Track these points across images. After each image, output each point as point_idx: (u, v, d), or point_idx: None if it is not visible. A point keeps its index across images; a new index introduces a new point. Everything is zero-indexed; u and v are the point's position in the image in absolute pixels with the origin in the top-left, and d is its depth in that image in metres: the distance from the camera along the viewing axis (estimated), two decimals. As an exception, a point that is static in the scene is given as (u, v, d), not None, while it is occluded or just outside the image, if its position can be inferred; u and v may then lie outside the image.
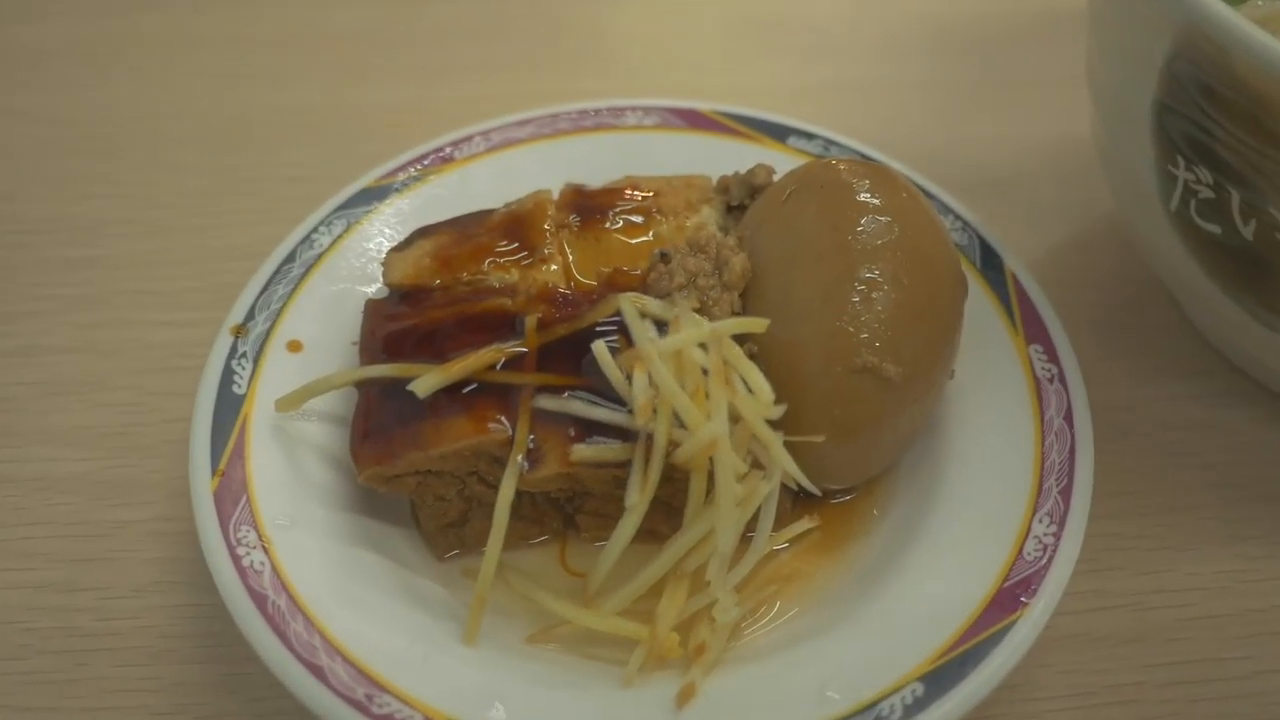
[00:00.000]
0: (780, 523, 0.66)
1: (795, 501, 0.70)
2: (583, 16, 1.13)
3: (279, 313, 0.74)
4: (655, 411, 0.60)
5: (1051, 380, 0.71)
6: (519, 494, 0.64)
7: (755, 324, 0.63)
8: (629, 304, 0.65)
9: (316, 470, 0.69)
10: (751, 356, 0.66)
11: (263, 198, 0.94)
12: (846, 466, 0.69)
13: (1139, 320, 0.85)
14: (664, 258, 0.69)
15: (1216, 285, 0.69)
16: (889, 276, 0.65)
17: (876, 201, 0.68)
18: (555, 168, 0.83)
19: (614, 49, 1.10)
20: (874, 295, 0.65)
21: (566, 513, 0.69)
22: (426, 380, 0.64)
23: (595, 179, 0.80)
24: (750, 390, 0.61)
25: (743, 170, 0.78)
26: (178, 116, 1.03)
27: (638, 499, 0.61)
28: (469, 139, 0.85)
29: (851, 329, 0.64)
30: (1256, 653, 0.67)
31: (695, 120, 0.87)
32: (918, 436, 0.70)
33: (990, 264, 0.77)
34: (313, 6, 1.15)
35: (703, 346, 0.61)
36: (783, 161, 0.82)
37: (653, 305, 0.66)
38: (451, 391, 0.65)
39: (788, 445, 0.62)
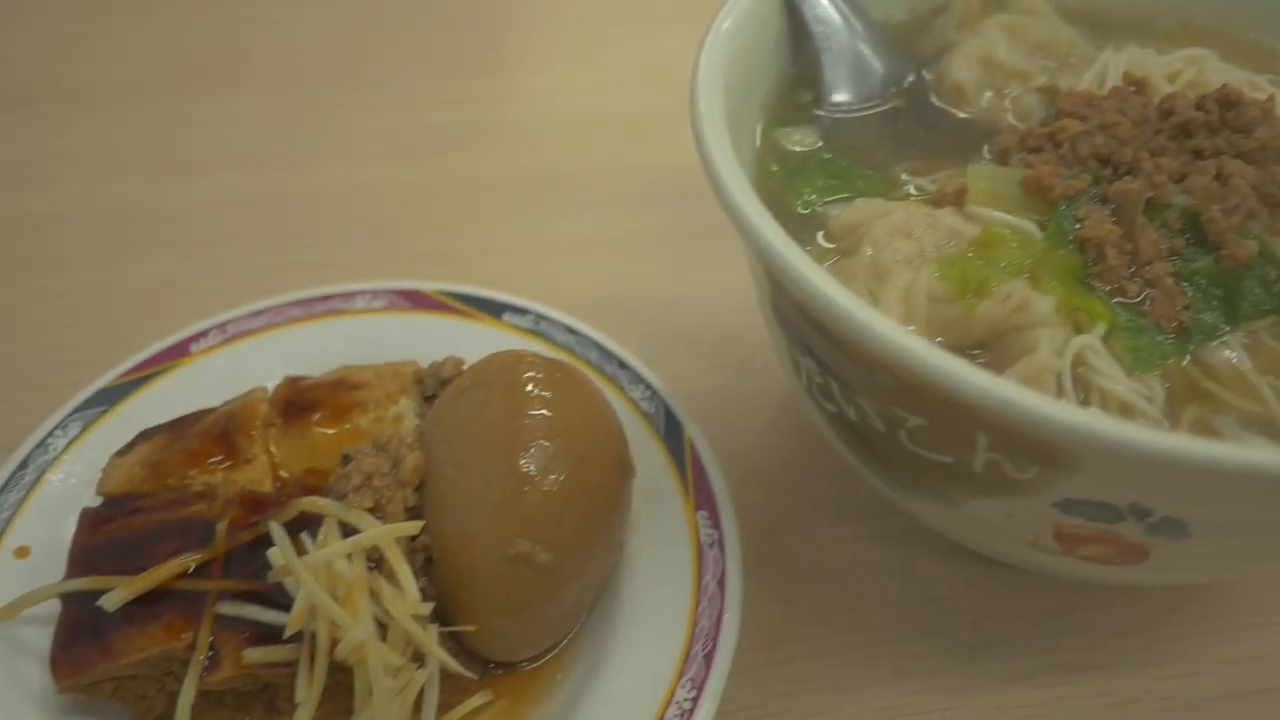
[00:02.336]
0: (464, 694, 0.72)
1: (485, 672, 0.76)
2: (341, 185, 1.20)
3: (9, 520, 0.80)
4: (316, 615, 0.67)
5: (712, 546, 0.78)
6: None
7: (402, 529, 0.70)
8: (296, 510, 0.71)
9: (35, 676, 0.74)
10: (425, 548, 0.73)
11: (20, 386, 0.99)
12: (522, 640, 0.76)
13: (832, 465, 0.93)
14: (345, 459, 0.76)
15: (849, 453, 0.77)
16: (545, 470, 0.72)
17: (543, 396, 0.75)
18: (286, 357, 0.90)
19: (368, 212, 1.16)
20: (527, 489, 0.71)
21: (265, 700, 0.75)
22: (116, 595, 0.70)
23: (325, 365, 0.87)
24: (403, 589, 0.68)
25: (461, 350, 0.85)
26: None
27: (305, 695, 0.67)
28: (205, 333, 0.91)
29: (507, 520, 0.71)
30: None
31: (419, 301, 0.94)
32: (586, 607, 0.77)
33: (672, 432, 0.85)
34: (82, 182, 1.20)
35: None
36: (497, 338, 0.90)
37: (331, 507, 0.72)
38: (144, 600, 0.71)
39: (472, 622, 0.69)
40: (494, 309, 0.93)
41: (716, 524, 0.79)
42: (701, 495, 0.80)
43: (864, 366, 0.64)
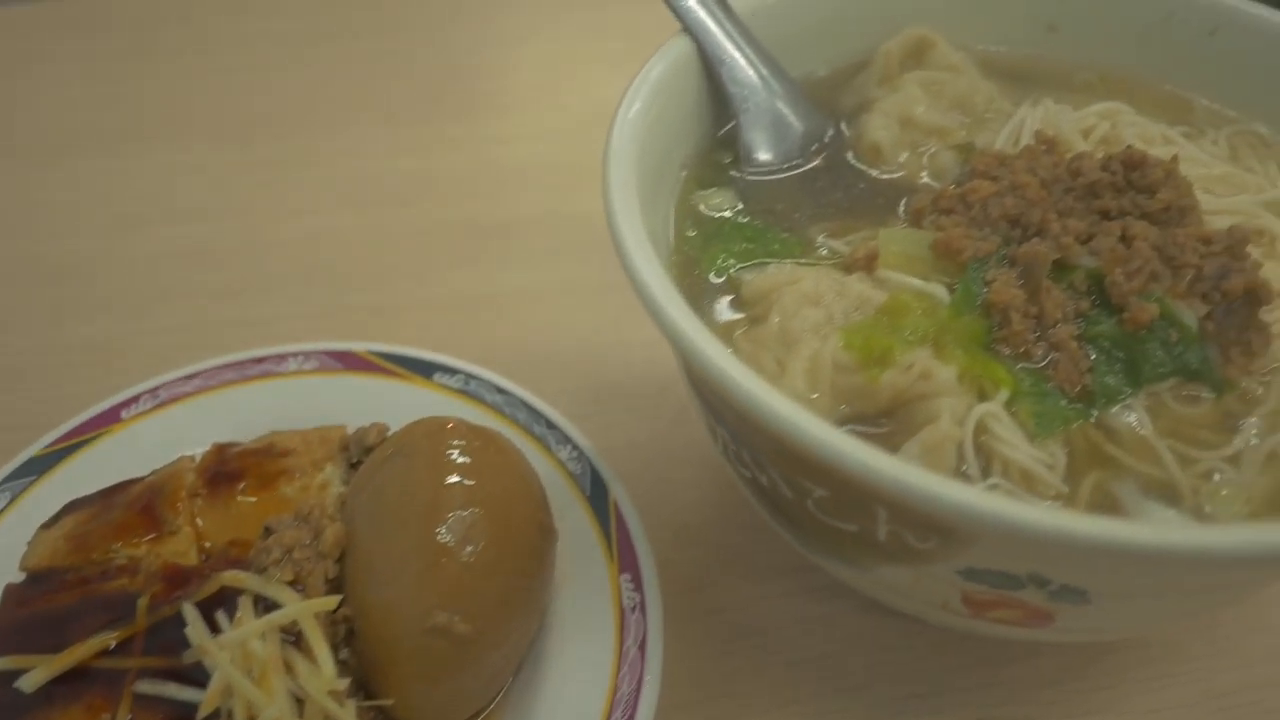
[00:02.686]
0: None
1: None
2: (284, 238, 1.20)
3: (-65, 597, 0.80)
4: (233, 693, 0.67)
5: (634, 609, 0.78)
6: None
7: (319, 604, 0.70)
8: (212, 588, 0.72)
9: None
10: (346, 619, 0.73)
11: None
12: (444, 709, 0.76)
13: (760, 520, 0.93)
14: (267, 531, 0.76)
15: (766, 515, 0.78)
16: (464, 540, 0.73)
17: (463, 464, 0.76)
18: (218, 422, 0.90)
19: (311, 265, 1.17)
20: (445, 560, 0.72)
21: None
22: (34, 675, 0.70)
23: (256, 430, 0.88)
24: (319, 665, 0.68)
25: (391, 412, 0.85)
26: None
27: (224, 773, 0.68)
28: (136, 399, 0.92)
29: (426, 592, 0.71)
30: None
31: (351, 362, 0.94)
32: (510, 674, 0.77)
33: (598, 493, 0.85)
34: (21, 239, 1.21)
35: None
36: (427, 399, 0.91)
37: (251, 581, 0.73)
38: (64, 679, 0.71)
39: (395, 693, 0.70)
40: (424, 369, 0.93)
41: (639, 586, 0.79)
42: (625, 557, 0.81)
43: (766, 438, 0.64)
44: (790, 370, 0.69)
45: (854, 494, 0.62)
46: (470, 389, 0.92)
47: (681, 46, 0.83)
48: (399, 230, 1.18)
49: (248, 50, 1.48)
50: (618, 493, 0.85)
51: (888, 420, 0.69)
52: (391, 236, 1.18)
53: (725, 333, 0.74)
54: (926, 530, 0.61)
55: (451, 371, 0.93)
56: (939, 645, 0.85)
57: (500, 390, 0.91)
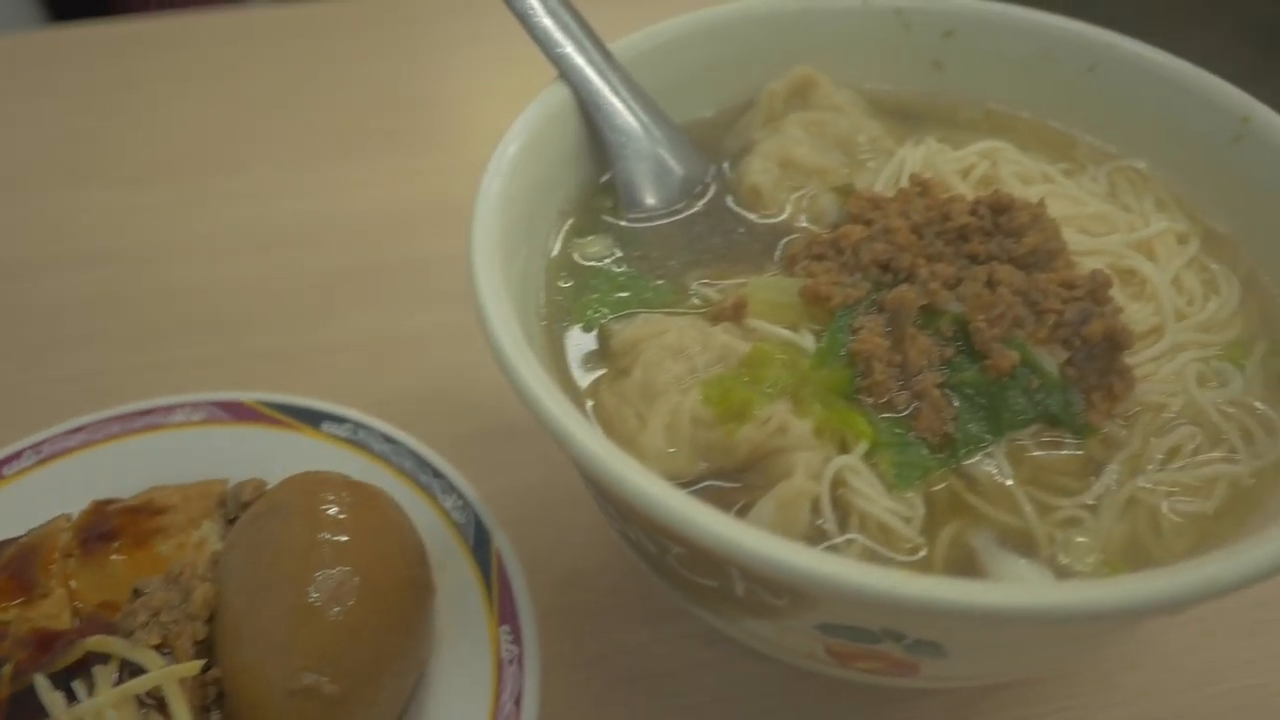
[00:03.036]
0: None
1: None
2: (188, 281, 1.18)
3: None
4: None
5: (512, 662, 0.78)
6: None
7: (181, 670, 0.70)
8: (72, 654, 0.71)
9: None
10: (216, 681, 0.73)
11: None
12: (318, 770, 0.75)
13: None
14: (136, 593, 0.75)
15: (639, 561, 0.77)
16: (333, 599, 0.72)
17: (337, 520, 0.75)
18: (101, 477, 0.89)
19: (214, 309, 1.15)
20: (313, 619, 0.71)
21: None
22: (-110, 749, 0.69)
23: (140, 484, 0.86)
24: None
25: (278, 463, 0.85)
26: None
27: (81, 845, 0.67)
28: (19, 455, 0.90)
29: (293, 652, 0.71)
30: None
31: (239, 413, 0.93)
32: (383, 733, 0.77)
33: (481, 543, 0.85)
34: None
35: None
36: (315, 449, 0.90)
37: (117, 646, 0.72)
38: (-79, 750, 0.70)
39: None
40: (313, 418, 0.92)
41: (518, 639, 0.79)
42: (505, 609, 0.80)
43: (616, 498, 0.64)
44: (650, 425, 0.68)
45: (706, 553, 0.62)
46: (358, 438, 0.91)
47: (558, 93, 0.83)
48: (307, 271, 1.17)
49: (144, 89, 1.47)
50: (501, 542, 0.84)
51: (748, 475, 0.69)
52: (299, 278, 1.17)
53: (591, 386, 0.73)
54: (778, 588, 0.61)
55: (340, 420, 0.92)
56: (830, 689, 0.85)
57: (388, 439, 0.91)
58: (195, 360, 1.08)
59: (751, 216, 0.85)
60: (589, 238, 0.83)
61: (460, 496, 0.87)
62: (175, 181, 1.30)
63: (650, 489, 0.57)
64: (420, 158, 1.33)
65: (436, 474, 0.88)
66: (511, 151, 0.77)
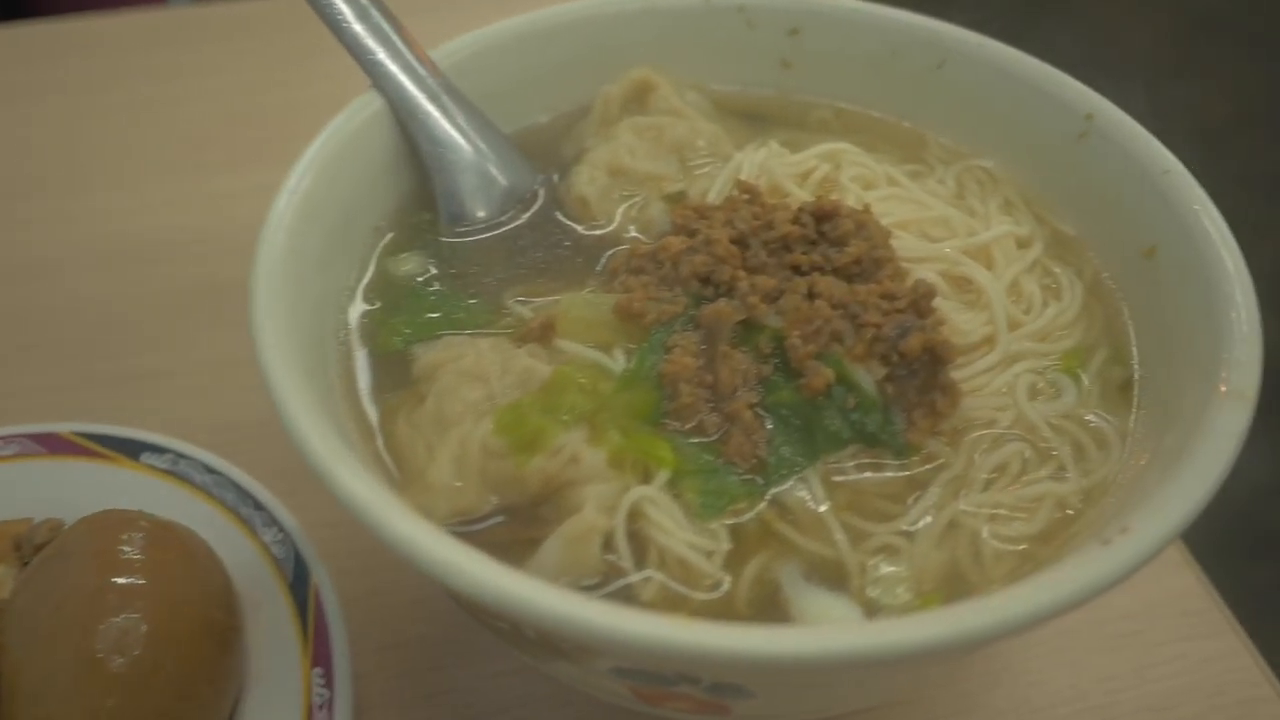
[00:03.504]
0: None
1: None
2: (25, 303, 1.13)
3: None
4: None
5: (323, 707, 0.73)
6: None
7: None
8: None
9: None
10: (-4, 741, 0.68)
11: None
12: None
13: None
14: (-93, 648, 0.70)
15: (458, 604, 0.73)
16: (117, 648, 0.67)
17: (129, 563, 0.71)
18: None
19: (54, 333, 1.09)
20: (95, 671, 0.67)
21: None
22: None
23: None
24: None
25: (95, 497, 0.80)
26: None
27: None
28: None
29: (73, 707, 0.66)
30: None
31: (55, 445, 0.88)
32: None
33: (300, 579, 0.80)
34: None
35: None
36: (133, 482, 0.85)
37: (-119, 706, 0.67)
38: None
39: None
40: (132, 450, 0.87)
41: (329, 681, 0.74)
42: (320, 650, 0.76)
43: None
44: (438, 457, 0.64)
45: (468, 599, 0.58)
46: (179, 469, 0.86)
47: (371, 104, 0.79)
48: (141, 295, 1.12)
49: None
50: (320, 577, 0.80)
51: (543, 509, 0.65)
52: (132, 301, 1.11)
53: (388, 415, 0.69)
54: (554, 635, 0.57)
55: (160, 451, 0.87)
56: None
57: (210, 470, 0.86)
58: (21, 390, 1.02)
59: (578, 228, 0.81)
60: (403, 255, 0.78)
61: (281, 529, 0.83)
62: (8, 199, 1.24)
63: (406, 532, 0.53)
64: (269, 172, 1.27)
65: (259, 506, 0.84)
66: (311, 168, 0.72)
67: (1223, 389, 0.61)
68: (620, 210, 0.82)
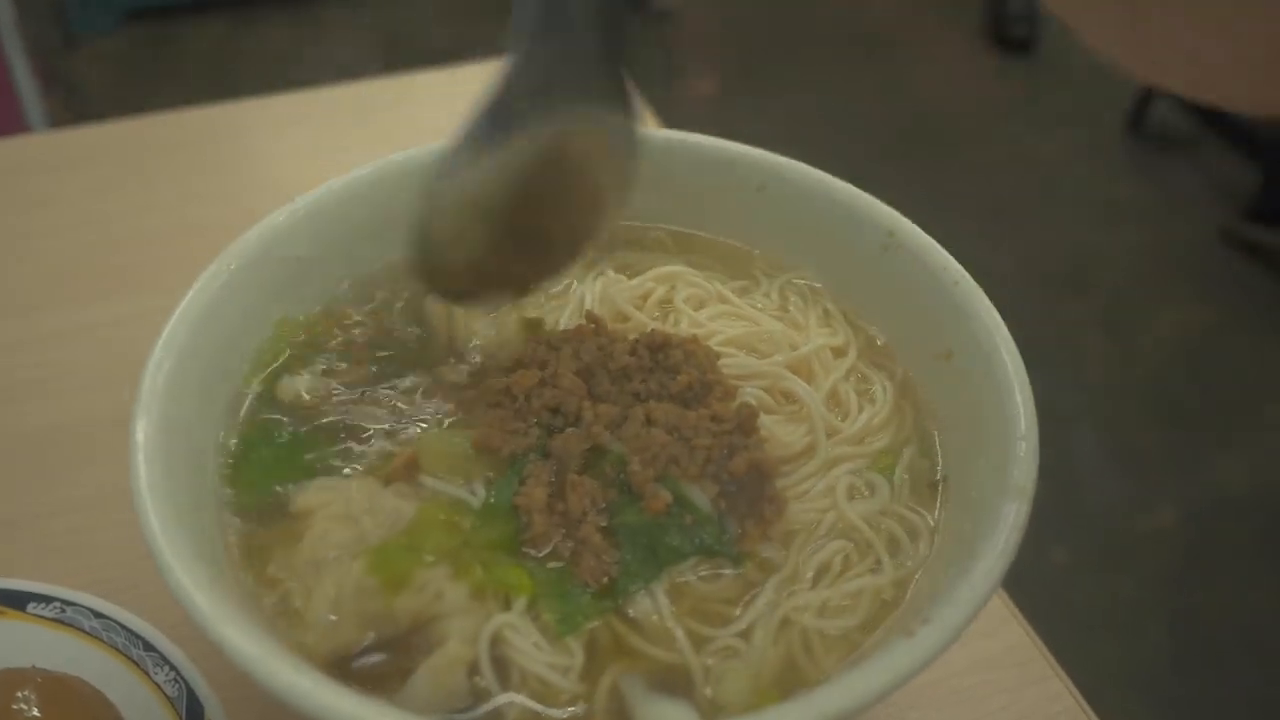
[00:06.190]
0: None
1: None
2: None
3: None
4: None
5: (220, 839, 0.78)
6: None
7: None
8: None
9: None
10: None
11: None
12: None
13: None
14: None
15: None
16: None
17: None
18: None
19: None
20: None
21: None
22: None
23: None
24: None
25: None
26: None
27: None
28: None
29: None
30: None
31: (-66, 598, 0.91)
32: None
33: (194, 715, 0.84)
34: None
35: None
36: (23, 633, 0.88)
37: None
38: None
39: None
40: (17, 600, 0.90)
41: (226, 815, 0.79)
42: (214, 787, 0.80)
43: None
44: (315, 600, 0.70)
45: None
46: (67, 617, 0.90)
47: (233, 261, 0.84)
48: (16, 433, 1.14)
49: None
50: (214, 713, 0.84)
51: (415, 640, 0.71)
52: (8, 440, 1.13)
53: (265, 551, 0.74)
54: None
55: (46, 600, 0.91)
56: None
57: (98, 614, 0.89)
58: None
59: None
60: (289, 378, 0.84)
61: (173, 668, 0.87)
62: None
63: (287, 681, 0.58)
64: (148, 298, 1.30)
65: (149, 647, 0.87)
66: (182, 320, 0.78)
67: (1007, 483, 0.70)
68: (481, 325, 0.88)
